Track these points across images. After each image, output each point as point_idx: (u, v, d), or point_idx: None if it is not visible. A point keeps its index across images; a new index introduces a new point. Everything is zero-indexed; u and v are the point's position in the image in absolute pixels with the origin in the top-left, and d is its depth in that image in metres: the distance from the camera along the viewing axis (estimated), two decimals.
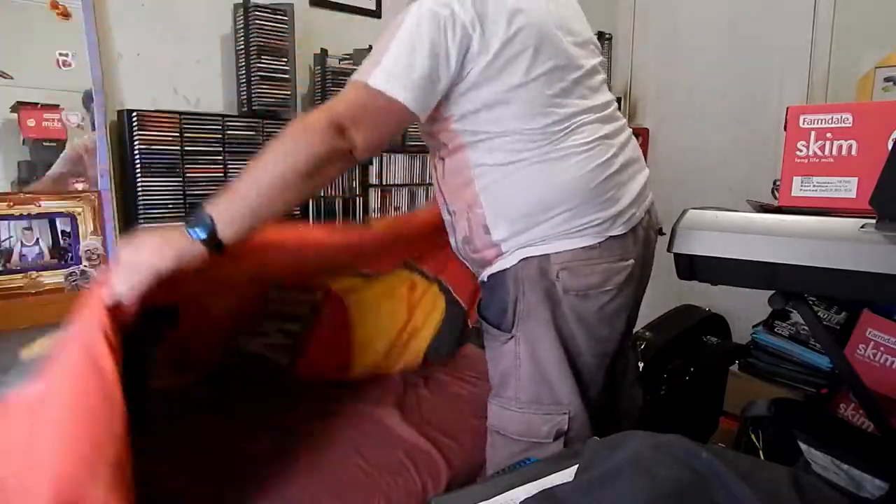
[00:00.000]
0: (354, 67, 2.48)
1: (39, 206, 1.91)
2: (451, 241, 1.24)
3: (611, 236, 1.09)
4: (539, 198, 1.06)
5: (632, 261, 1.11)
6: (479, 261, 1.18)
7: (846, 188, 1.03)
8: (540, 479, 0.73)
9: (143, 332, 0.98)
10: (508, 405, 1.13)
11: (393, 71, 0.93)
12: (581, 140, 1.07)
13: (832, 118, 1.04)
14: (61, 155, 1.94)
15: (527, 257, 1.08)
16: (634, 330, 1.70)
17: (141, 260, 0.89)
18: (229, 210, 0.91)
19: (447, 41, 0.94)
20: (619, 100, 3.20)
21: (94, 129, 2.00)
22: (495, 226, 1.10)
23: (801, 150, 1.07)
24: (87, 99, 2.00)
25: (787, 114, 1.09)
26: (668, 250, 1.12)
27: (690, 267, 1.13)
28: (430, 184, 2.22)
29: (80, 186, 1.98)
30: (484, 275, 1.18)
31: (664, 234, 1.21)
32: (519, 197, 1.07)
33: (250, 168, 0.93)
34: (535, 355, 1.11)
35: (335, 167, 0.97)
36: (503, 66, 0.99)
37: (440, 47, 0.94)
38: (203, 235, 0.89)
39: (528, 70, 1.00)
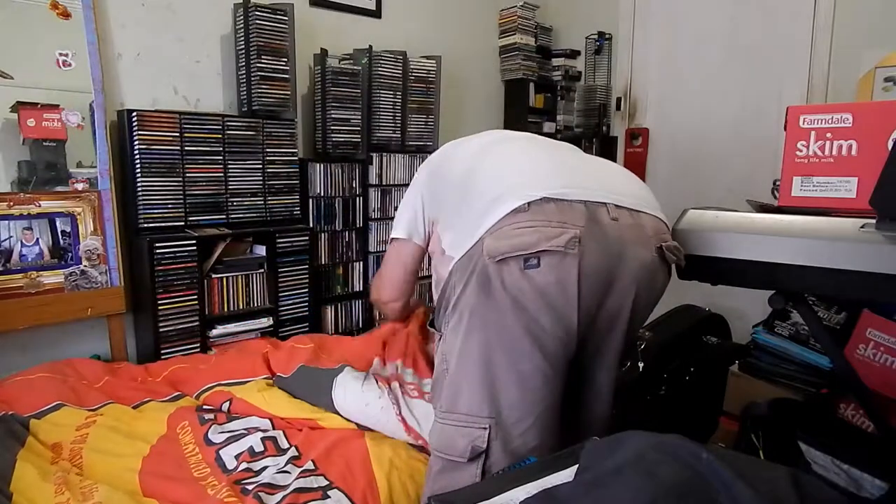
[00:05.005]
0: (355, 67, 2.49)
1: (39, 206, 1.91)
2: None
3: (544, 198, 0.96)
4: (469, 180, 1.09)
5: (576, 230, 0.94)
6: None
7: (846, 188, 1.03)
8: (540, 479, 0.73)
9: None
10: (436, 416, 1.04)
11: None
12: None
13: (832, 118, 1.04)
14: None
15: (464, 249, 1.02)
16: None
17: None
18: None
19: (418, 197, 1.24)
20: (619, 100, 3.21)
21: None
22: (444, 236, 1.12)
23: (801, 150, 1.07)
24: None
25: (787, 114, 1.09)
26: None
27: (690, 267, 1.13)
28: None
29: (79, 186, 1.98)
30: None
31: (680, 261, 1.08)
32: (451, 190, 1.13)
33: None
34: (458, 352, 0.99)
35: None
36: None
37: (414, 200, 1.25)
38: None
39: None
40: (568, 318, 0.95)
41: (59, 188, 1.95)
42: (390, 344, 1.65)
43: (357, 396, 1.48)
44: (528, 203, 0.96)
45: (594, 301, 0.98)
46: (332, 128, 2.46)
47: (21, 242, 1.89)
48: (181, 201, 2.09)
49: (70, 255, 1.97)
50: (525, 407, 0.97)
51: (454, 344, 1.00)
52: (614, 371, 1.10)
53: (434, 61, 2.76)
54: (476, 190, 1.05)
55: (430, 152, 1.41)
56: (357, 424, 1.47)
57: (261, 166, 2.26)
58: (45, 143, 1.92)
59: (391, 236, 1.29)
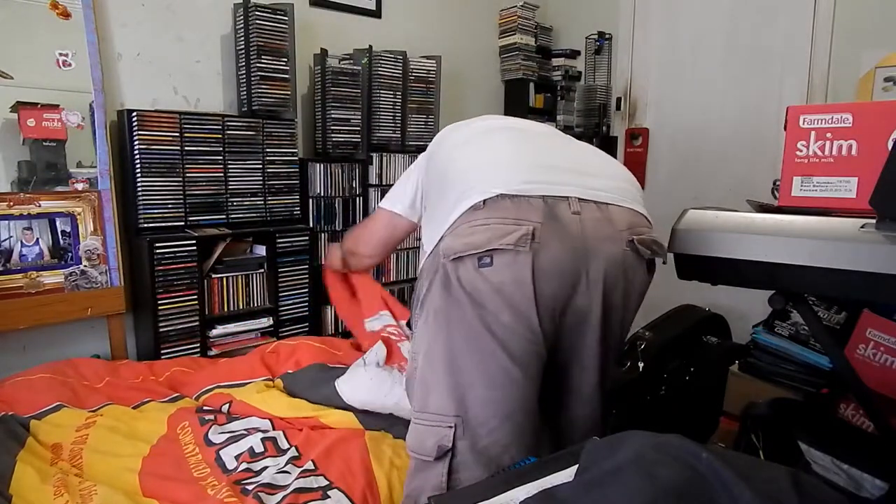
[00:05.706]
0: (355, 67, 2.49)
1: (39, 206, 1.91)
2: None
3: (501, 194, 0.95)
4: (442, 175, 1.11)
5: (530, 227, 0.92)
6: None
7: (846, 188, 1.03)
8: (540, 479, 0.73)
9: None
10: (412, 416, 1.03)
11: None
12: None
13: (832, 118, 1.04)
14: None
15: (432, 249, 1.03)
16: (634, 330, 1.69)
17: None
18: None
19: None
20: (619, 100, 3.21)
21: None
22: (424, 231, 1.12)
23: (801, 150, 1.07)
24: None
25: (787, 114, 1.09)
26: (669, 250, 1.12)
27: (690, 267, 1.13)
28: None
29: (79, 186, 1.98)
30: None
31: (658, 255, 1.05)
32: (434, 185, 1.14)
33: None
34: (425, 351, 1.00)
35: None
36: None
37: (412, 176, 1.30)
38: None
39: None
40: (528, 316, 0.93)
41: (59, 188, 1.95)
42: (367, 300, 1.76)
43: (365, 382, 1.49)
44: (485, 200, 0.95)
45: (559, 299, 0.96)
46: (332, 128, 2.46)
47: (21, 242, 1.89)
48: (181, 201, 2.09)
49: (70, 255, 1.97)
50: (492, 406, 0.95)
51: (422, 342, 1.01)
52: (594, 372, 1.05)
53: (434, 61, 2.76)
54: (449, 185, 1.04)
55: None
56: (360, 420, 1.47)
57: (261, 166, 2.26)
58: (45, 143, 1.92)
59: (392, 209, 1.32)
